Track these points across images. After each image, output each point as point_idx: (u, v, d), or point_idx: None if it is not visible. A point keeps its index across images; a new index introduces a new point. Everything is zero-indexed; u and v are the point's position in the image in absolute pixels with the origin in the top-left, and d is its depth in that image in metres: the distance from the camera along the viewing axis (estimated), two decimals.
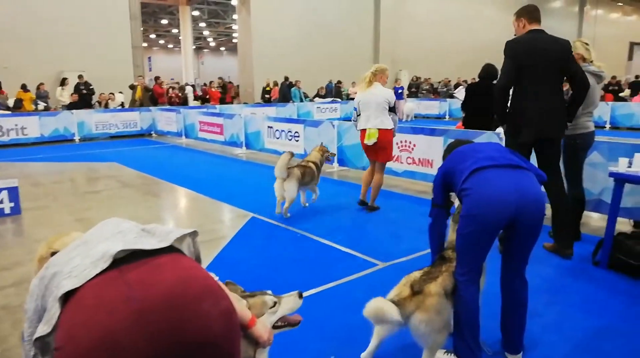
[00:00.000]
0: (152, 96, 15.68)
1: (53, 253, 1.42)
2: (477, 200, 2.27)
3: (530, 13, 3.94)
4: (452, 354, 2.45)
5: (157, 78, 17.43)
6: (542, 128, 3.82)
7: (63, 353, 1.07)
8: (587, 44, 4.40)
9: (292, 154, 5.31)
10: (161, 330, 1.07)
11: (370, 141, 5.23)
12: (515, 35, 4.01)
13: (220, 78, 21.68)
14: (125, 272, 1.15)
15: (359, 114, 5.38)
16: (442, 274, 2.42)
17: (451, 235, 2.68)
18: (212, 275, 1.32)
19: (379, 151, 5.32)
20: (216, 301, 1.18)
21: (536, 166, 3.81)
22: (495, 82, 6.16)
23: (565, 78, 3.96)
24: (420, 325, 2.26)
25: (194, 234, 1.40)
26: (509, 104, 3.95)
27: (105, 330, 1.04)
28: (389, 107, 5.22)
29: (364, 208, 5.61)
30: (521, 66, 3.77)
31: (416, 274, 2.44)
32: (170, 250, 1.29)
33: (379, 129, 5.18)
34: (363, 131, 5.34)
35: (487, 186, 2.28)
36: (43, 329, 1.17)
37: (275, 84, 18.76)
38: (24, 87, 14.08)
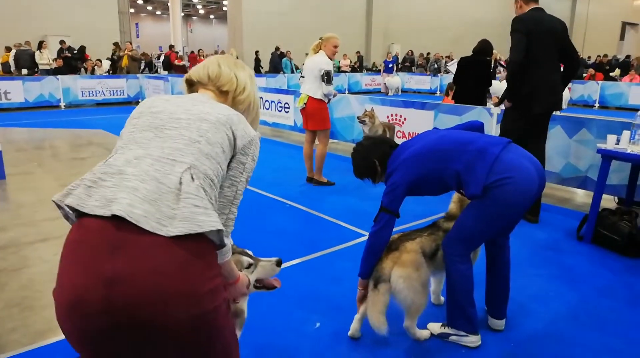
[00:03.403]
0: (143, 65, 15.44)
1: (188, 79, 1.61)
2: (519, 188, 2.13)
3: None
4: (448, 327, 2.46)
5: (171, 47, 18.65)
6: (550, 101, 4.09)
7: (55, 293, 1.21)
8: None
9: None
10: (126, 322, 1.12)
11: (299, 105, 5.42)
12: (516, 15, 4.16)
13: (216, 51, 21.28)
14: (118, 238, 1.15)
15: (303, 77, 5.49)
16: (421, 236, 2.45)
17: (456, 209, 2.63)
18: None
19: (309, 118, 5.40)
20: (187, 308, 1.15)
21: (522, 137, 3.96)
22: (488, 58, 6.18)
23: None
24: (399, 280, 2.29)
25: (220, 232, 1.28)
26: (521, 79, 4.06)
27: (78, 300, 1.14)
28: (321, 76, 5.14)
29: (312, 183, 5.57)
30: (531, 41, 3.94)
31: (394, 236, 2.46)
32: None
33: (308, 95, 5.27)
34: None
35: (522, 171, 2.14)
36: (58, 198, 1.28)
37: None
38: (8, 49, 13.69)
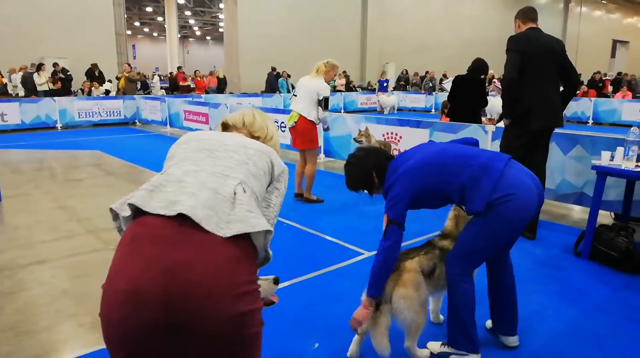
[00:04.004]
0: (139, 86, 15.57)
1: (224, 123, 1.82)
2: (520, 205, 2.13)
3: (524, 14, 4.26)
4: (448, 346, 2.44)
5: (179, 68, 19.10)
6: (549, 118, 4.13)
7: (107, 284, 1.28)
8: None
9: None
10: (178, 311, 1.19)
11: (289, 122, 5.46)
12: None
13: (211, 72, 21.50)
14: (180, 233, 1.27)
15: (295, 95, 5.54)
16: (419, 255, 2.44)
17: (451, 226, 2.61)
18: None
19: (297, 136, 5.46)
20: (232, 303, 1.24)
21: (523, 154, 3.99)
22: (483, 77, 6.26)
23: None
24: (400, 300, 2.27)
25: (269, 233, 1.42)
26: (516, 96, 4.13)
27: (134, 289, 1.20)
28: (318, 100, 5.26)
29: (300, 200, 5.63)
30: (526, 59, 4.01)
31: None
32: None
33: (300, 114, 5.32)
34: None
35: (524, 189, 2.15)
36: (117, 206, 1.42)
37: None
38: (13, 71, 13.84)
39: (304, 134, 5.40)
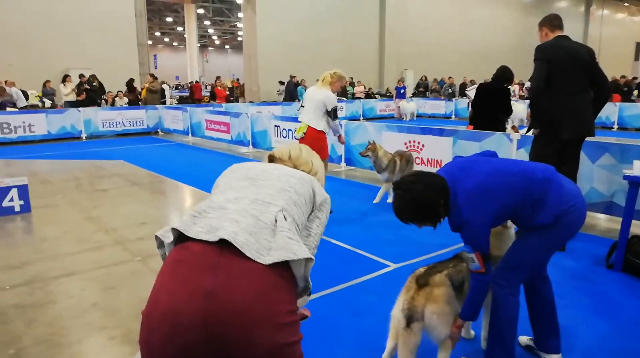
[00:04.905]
0: (159, 96, 15.81)
1: (271, 155, 1.85)
2: (581, 213, 2.22)
3: (550, 22, 4.19)
4: None
5: (218, 78, 19.36)
6: (579, 127, 4.07)
7: (147, 309, 1.30)
8: None
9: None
10: (218, 336, 1.21)
11: (298, 134, 5.46)
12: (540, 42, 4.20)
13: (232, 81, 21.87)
14: (221, 259, 1.28)
15: (303, 106, 5.56)
16: (447, 268, 2.40)
17: (495, 241, 2.48)
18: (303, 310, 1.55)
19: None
20: (272, 333, 1.25)
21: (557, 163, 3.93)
22: (507, 85, 6.17)
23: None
24: (433, 316, 2.23)
25: (310, 261, 1.43)
26: (543, 106, 4.09)
27: (175, 311, 1.22)
28: (326, 111, 5.28)
29: None
30: (555, 68, 3.96)
31: (420, 270, 2.42)
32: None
33: (308, 125, 5.33)
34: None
35: (579, 196, 2.23)
36: (161, 233, 1.45)
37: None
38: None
39: (313, 144, 5.31)
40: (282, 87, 19.13)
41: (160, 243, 1.46)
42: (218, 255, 1.29)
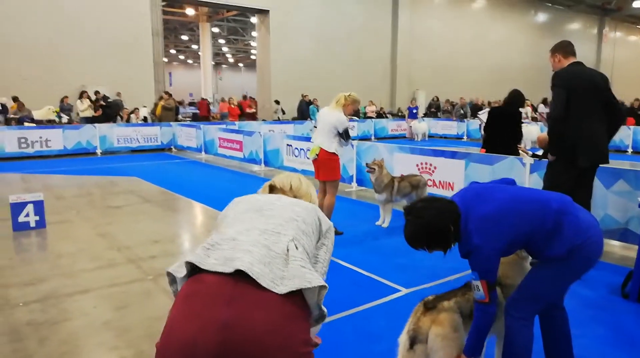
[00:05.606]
0: (174, 113, 16.07)
1: (271, 185, 1.90)
2: (597, 246, 2.18)
3: (563, 48, 4.20)
4: None
5: (244, 96, 20.12)
6: (595, 154, 4.08)
7: (162, 342, 1.31)
8: None
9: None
10: None
11: (311, 156, 5.56)
12: (552, 70, 4.23)
13: (244, 96, 22.10)
14: (235, 291, 1.30)
15: (316, 127, 5.66)
16: (456, 296, 2.38)
17: (508, 271, 2.47)
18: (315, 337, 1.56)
19: (320, 168, 5.52)
20: None
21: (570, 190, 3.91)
22: (519, 109, 6.18)
23: None
24: (437, 339, 2.20)
25: (323, 289, 1.46)
26: (562, 132, 4.08)
27: (191, 344, 1.23)
28: (338, 133, 5.34)
29: None
30: (571, 95, 3.96)
31: (430, 297, 2.40)
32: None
33: (321, 147, 5.40)
34: None
35: (595, 228, 2.20)
36: (173, 268, 1.47)
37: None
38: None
39: (325, 165, 5.49)
40: (279, 107, 19.36)
41: (172, 280, 1.47)
42: (232, 287, 1.31)
